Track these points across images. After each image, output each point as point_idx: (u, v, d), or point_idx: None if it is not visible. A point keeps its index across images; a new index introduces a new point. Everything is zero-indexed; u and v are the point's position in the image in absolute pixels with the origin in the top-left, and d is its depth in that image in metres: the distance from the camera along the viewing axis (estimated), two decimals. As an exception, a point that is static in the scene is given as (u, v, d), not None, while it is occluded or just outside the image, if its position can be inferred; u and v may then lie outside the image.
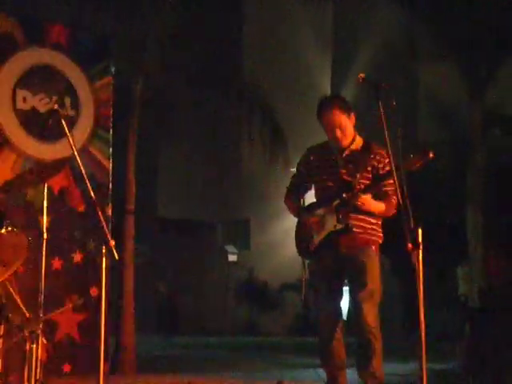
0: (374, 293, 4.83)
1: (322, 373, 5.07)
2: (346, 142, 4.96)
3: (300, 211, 5.11)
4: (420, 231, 3.93)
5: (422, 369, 3.83)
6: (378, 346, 4.81)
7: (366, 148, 4.98)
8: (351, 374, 5.01)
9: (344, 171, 4.91)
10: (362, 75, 4.18)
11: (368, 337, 4.80)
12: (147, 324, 16.07)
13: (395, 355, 8.50)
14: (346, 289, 5.06)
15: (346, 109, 4.97)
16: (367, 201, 4.80)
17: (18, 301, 4.70)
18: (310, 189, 5.30)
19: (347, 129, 4.95)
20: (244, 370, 8.64)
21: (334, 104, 4.98)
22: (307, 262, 5.10)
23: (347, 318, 8.40)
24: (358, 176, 4.82)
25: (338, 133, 4.92)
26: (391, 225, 4.74)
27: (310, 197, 5.20)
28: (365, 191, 4.79)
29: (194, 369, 8.68)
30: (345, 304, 8.07)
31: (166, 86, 9.27)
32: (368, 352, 4.80)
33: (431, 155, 4.48)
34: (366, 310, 4.80)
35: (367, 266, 4.85)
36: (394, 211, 4.84)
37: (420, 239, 3.92)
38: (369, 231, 4.92)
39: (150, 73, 8.64)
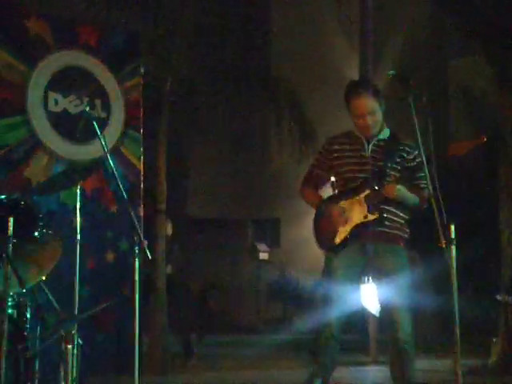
0: (407, 296, 4.68)
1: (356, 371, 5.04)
2: (374, 131, 4.77)
3: (322, 202, 4.91)
4: (453, 227, 3.90)
5: (456, 365, 3.81)
6: (412, 354, 4.71)
7: (394, 139, 4.81)
8: (380, 372, 4.98)
9: (372, 162, 4.74)
10: (390, 72, 4.14)
11: (402, 346, 4.67)
12: (179, 323, 16.12)
13: (430, 351, 8.48)
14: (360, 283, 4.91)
15: (377, 94, 4.76)
16: (400, 190, 4.62)
17: (54, 301, 4.74)
18: (329, 180, 5.13)
19: (377, 116, 4.75)
20: (278, 368, 8.64)
21: (367, 88, 4.77)
22: (329, 256, 4.86)
23: (380, 315, 8.38)
24: (389, 165, 4.68)
25: (369, 119, 4.72)
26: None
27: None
28: (397, 182, 4.62)
29: (228, 367, 8.69)
30: (376, 301, 8.03)
31: (194, 84, 9.29)
32: (402, 361, 4.69)
33: (484, 139, 4.35)
34: (399, 318, 4.64)
35: (397, 267, 4.70)
36: (425, 205, 4.64)
37: (453, 235, 3.90)
38: (397, 226, 4.77)
39: (179, 72, 8.66)
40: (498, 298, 8.20)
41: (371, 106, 4.74)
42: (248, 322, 18.41)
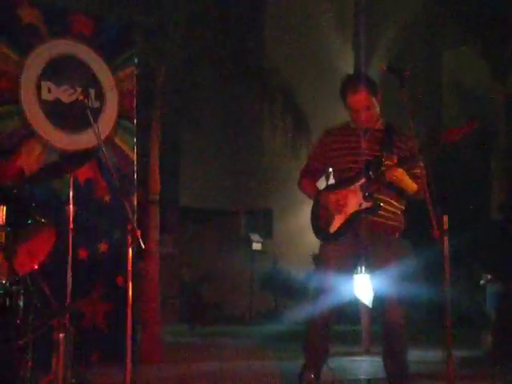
0: (401, 287, 4.66)
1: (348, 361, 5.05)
2: (370, 124, 4.78)
3: (318, 192, 4.93)
4: (446, 218, 3.91)
5: (448, 356, 3.83)
6: (404, 344, 4.73)
7: (390, 129, 4.81)
8: (373, 362, 4.99)
9: (367, 151, 4.74)
10: (383, 66, 4.14)
11: (395, 333, 4.70)
12: (172, 313, 16.15)
13: (421, 342, 8.50)
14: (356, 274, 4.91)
15: (374, 89, 4.75)
16: (402, 174, 4.58)
17: (46, 291, 4.74)
18: (326, 172, 5.16)
19: (374, 110, 4.76)
20: (270, 358, 8.66)
21: (363, 84, 4.76)
22: (324, 245, 4.87)
23: (372, 305, 8.40)
24: (385, 154, 4.69)
25: (365, 114, 4.74)
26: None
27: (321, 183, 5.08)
28: (398, 165, 4.59)
29: (220, 358, 8.70)
30: (370, 291, 8.04)
31: (188, 74, 9.27)
32: (395, 347, 4.71)
33: (477, 125, 4.35)
34: (392, 308, 4.68)
35: (392, 257, 4.70)
36: (423, 193, 4.70)
37: (446, 226, 3.91)
38: (393, 216, 4.77)
39: (173, 62, 8.64)
40: (481, 282, 8.25)
41: (368, 102, 4.75)
42: (240, 312, 18.45)
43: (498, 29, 10.60)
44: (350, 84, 4.82)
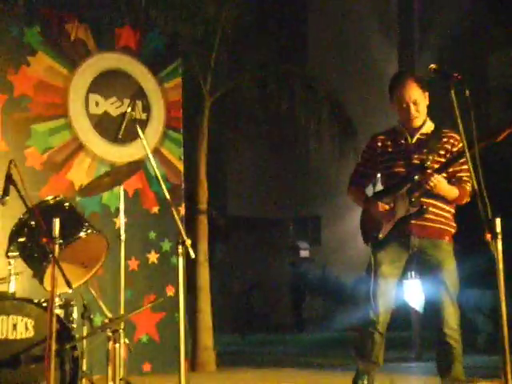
0: (454, 292, 4.62)
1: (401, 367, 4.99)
2: (418, 122, 4.74)
3: (367, 199, 4.90)
4: (498, 221, 3.85)
5: (505, 361, 3.77)
6: (458, 349, 4.66)
7: (438, 131, 4.77)
8: (426, 368, 4.92)
9: (416, 155, 4.70)
10: (433, 66, 4.10)
11: (449, 341, 4.63)
12: (223, 322, 16.19)
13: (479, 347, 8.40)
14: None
15: (422, 84, 4.73)
16: (440, 181, 4.55)
17: (100, 302, 4.79)
18: (375, 178, 5.14)
19: (421, 106, 4.72)
20: (321, 366, 8.63)
21: (411, 77, 4.75)
22: (374, 251, 4.80)
23: (424, 311, 8.31)
24: (431, 158, 4.66)
25: (413, 109, 4.69)
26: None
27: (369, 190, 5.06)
28: (438, 171, 4.56)
29: (271, 365, 8.70)
30: (421, 296, 7.95)
31: (234, 84, 9.30)
32: (449, 356, 4.65)
33: None
34: (446, 312, 4.61)
35: (443, 262, 4.64)
36: (467, 199, 4.62)
37: (498, 229, 3.85)
38: (442, 220, 4.71)
39: (219, 72, 8.67)
40: None
41: (415, 95, 4.71)
42: (290, 319, 18.42)
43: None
44: (398, 78, 4.84)
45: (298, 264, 19.00)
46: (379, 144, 4.88)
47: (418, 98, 4.72)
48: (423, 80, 4.79)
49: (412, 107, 4.71)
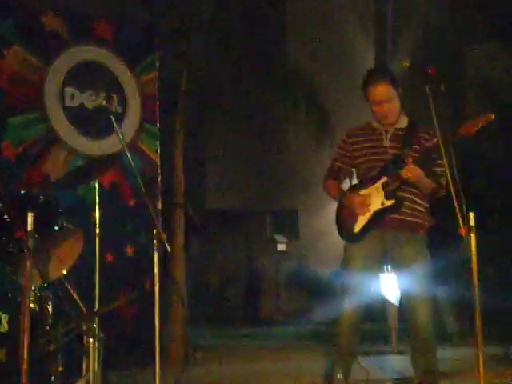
0: (427, 286, 4.67)
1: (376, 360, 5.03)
2: (392, 119, 4.78)
3: (342, 193, 4.93)
4: (472, 215, 3.88)
5: (478, 353, 3.80)
6: (432, 342, 4.70)
7: (412, 126, 4.81)
8: (401, 361, 4.96)
9: (391, 150, 4.75)
10: (406, 63, 4.13)
11: (423, 334, 4.67)
12: (199, 316, 16.17)
13: (451, 340, 8.46)
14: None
15: (395, 82, 4.76)
16: (417, 172, 4.59)
17: (75, 296, 4.77)
18: (350, 172, 5.16)
19: (395, 103, 4.76)
20: (298, 358, 8.65)
21: (384, 76, 4.78)
22: (349, 245, 4.87)
23: (399, 304, 8.35)
24: (406, 152, 4.66)
25: (386, 107, 4.73)
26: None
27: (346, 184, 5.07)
28: (414, 164, 4.60)
29: (247, 359, 8.71)
30: (396, 290, 7.99)
31: (210, 77, 9.28)
32: (423, 350, 4.69)
33: (492, 117, 4.34)
34: (419, 306, 4.65)
35: (417, 256, 4.70)
36: (442, 192, 4.66)
37: (473, 223, 3.88)
38: (417, 214, 4.75)
39: (195, 65, 8.65)
40: None
41: (388, 93, 4.75)
42: (266, 313, 18.44)
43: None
44: (370, 76, 4.85)
45: (255, 258, 19.00)
46: (355, 139, 4.92)
47: (390, 95, 4.74)
48: (394, 76, 4.81)
49: (386, 106, 4.73)
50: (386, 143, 4.78)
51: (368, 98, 4.81)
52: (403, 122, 4.84)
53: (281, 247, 19.42)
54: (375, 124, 4.87)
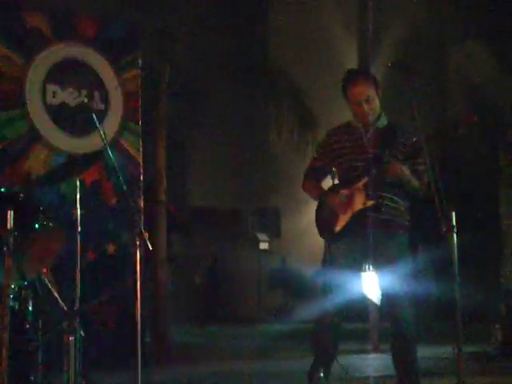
0: (408, 284, 4.66)
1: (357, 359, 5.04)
2: (372, 118, 4.76)
3: (323, 193, 4.92)
4: (454, 214, 3.90)
5: (458, 352, 3.82)
6: (413, 342, 4.72)
7: (393, 126, 4.83)
8: (382, 360, 4.97)
9: (371, 150, 4.73)
10: (390, 62, 4.14)
11: (402, 332, 4.69)
12: (181, 313, 16.16)
13: (431, 338, 8.48)
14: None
15: (374, 82, 4.78)
16: (400, 169, 4.59)
17: (55, 294, 4.75)
18: (330, 173, 5.15)
19: (374, 103, 4.76)
20: (279, 357, 8.66)
21: (362, 75, 4.82)
22: (330, 244, 4.89)
23: (380, 303, 8.38)
24: (387, 152, 4.69)
25: (365, 106, 4.72)
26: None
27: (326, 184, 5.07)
28: (398, 161, 4.59)
29: (228, 357, 8.71)
30: (377, 289, 8.02)
31: (193, 75, 9.28)
32: (404, 349, 4.70)
33: (474, 118, 4.36)
34: (400, 306, 4.66)
35: (398, 255, 4.69)
36: (425, 191, 4.65)
37: (454, 222, 3.90)
38: (398, 213, 4.75)
39: (177, 62, 8.64)
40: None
41: (368, 93, 4.75)
42: (249, 312, 18.45)
43: (504, 23, 10.57)
44: (350, 76, 4.87)
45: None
46: (335, 139, 4.92)
47: (370, 95, 4.75)
48: (373, 76, 4.84)
49: (365, 105, 4.74)
50: (366, 143, 4.78)
51: (348, 97, 4.83)
52: (384, 122, 4.85)
53: (263, 246, 19.43)
54: (355, 123, 4.87)
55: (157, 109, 8.52)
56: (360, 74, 4.91)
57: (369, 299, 8.64)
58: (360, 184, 4.71)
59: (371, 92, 4.76)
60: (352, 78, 4.82)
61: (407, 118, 4.49)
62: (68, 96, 7.05)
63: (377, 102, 4.79)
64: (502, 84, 10.94)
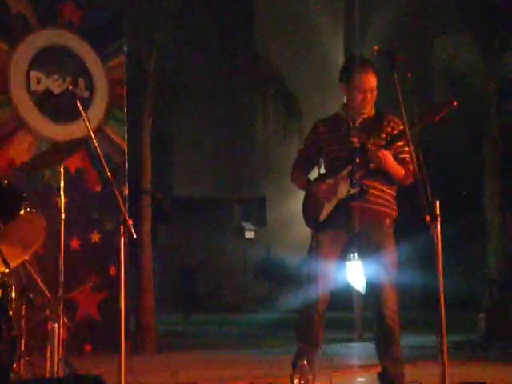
0: (393, 274, 4.66)
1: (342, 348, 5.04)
2: (368, 108, 4.74)
3: (309, 182, 4.90)
4: (438, 203, 3.90)
5: (442, 341, 3.83)
6: (397, 330, 4.72)
7: (379, 116, 4.81)
8: (366, 348, 4.98)
9: (356, 139, 4.71)
10: (376, 47, 4.12)
11: (388, 322, 4.68)
12: (166, 302, 16.16)
13: (415, 327, 8.54)
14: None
15: (377, 71, 4.72)
16: (386, 156, 4.57)
17: (39, 281, 4.72)
18: (318, 163, 5.14)
19: (375, 94, 4.74)
20: (262, 346, 8.68)
21: (370, 64, 4.75)
22: (315, 232, 4.83)
23: (365, 292, 8.40)
24: (372, 140, 4.68)
25: (370, 95, 4.70)
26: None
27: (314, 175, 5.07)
28: (383, 148, 4.57)
29: (213, 346, 8.72)
30: (362, 278, 8.05)
31: (178, 63, 9.24)
32: (388, 338, 4.71)
33: (455, 103, 4.36)
34: (385, 294, 4.67)
35: (383, 244, 4.67)
36: (411, 179, 4.60)
37: (438, 211, 3.89)
38: (383, 202, 4.71)
39: (163, 50, 8.60)
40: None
41: (373, 83, 4.73)
42: (234, 300, 18.47)
43: (488, 14, 10.60)
44: (359, 64, 4.82)
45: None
46: (322, 130, 4.91)
47: (375, 85, 4.74)
48: (376, 66, 4.82)
49: (368, 94, 4.73)
50: (353, 132, 4.78)
51: (351, 85, 4.79)
52: (371, 111, 4.84)
53: (249, 235, 19.45)
54: (343, 114, 4.86)
55: (142, 97, 8.47)
56: (367, 62, 4.82)
57: (354, 288, 8.67)
58: (345, 172, 4.71)
59: (375, 82, 4.73)
60: (361, 65, 4.77)
61: (394, 107, 4.48)
62: (52, 83, 7.00)
63: (375, 92, 4.79)
64: (486, 76, 10.98)
